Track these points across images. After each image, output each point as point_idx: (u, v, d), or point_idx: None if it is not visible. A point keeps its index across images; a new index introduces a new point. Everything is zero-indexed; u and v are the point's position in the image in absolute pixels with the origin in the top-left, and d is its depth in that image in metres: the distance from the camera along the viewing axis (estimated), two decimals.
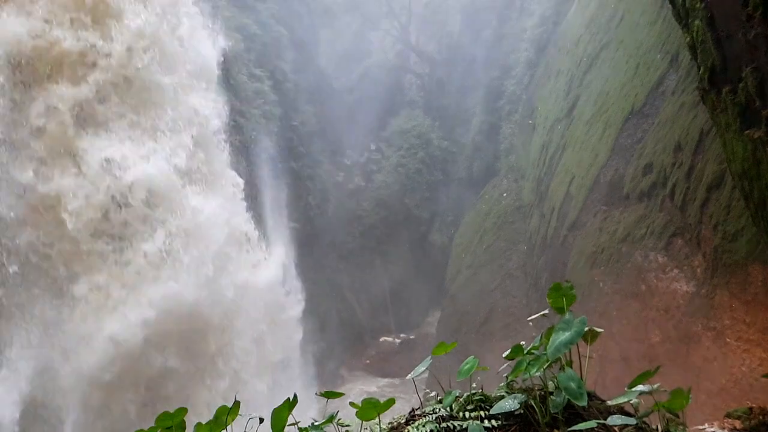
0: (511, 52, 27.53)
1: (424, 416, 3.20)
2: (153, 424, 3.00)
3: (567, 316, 3.13)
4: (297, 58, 26.37)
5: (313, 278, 23.01)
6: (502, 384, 3.34)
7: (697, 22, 8.46)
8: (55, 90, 13.25)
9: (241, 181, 17.25)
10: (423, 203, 29.96)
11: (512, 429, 2.97)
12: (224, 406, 3.04)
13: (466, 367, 3.34)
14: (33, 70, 13.15)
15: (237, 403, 3.06)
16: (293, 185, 23.94)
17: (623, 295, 12.35)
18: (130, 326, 12.93)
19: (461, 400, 3.25)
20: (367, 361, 25.66)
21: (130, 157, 13.80)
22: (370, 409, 3.11)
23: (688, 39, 9.35)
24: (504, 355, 3.33)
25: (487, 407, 3.09)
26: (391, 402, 3.17)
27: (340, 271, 26.82)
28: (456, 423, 2.98)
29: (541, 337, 3.26)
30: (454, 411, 3.16)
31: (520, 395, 3.01)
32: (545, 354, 3.02)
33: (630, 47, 15.23)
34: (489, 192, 25.59)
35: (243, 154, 18.90)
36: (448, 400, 3.19)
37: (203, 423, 3.02)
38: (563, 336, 2.97)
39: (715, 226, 10.03)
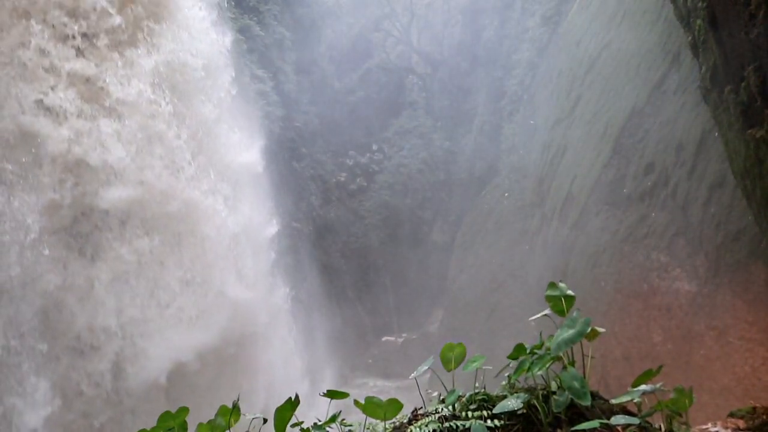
0: (513, 53, 27.52)
1: (427, 416, 3.20)
2: None
3: (574, 314, 3.13)
4: (299, 59, 26.37)
5: (315, 278, 23.04)
6: (505, 383, 3.34)
7: (698, 21, 8.45)
8: None
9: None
10: (425, 203, 29.95)
11: (515, 429, 2.97)
12: (225, 406, 3.04)
13: (474, 363, 3.34)
14: None
15: (237, 405, 3.06)
16: (296, 186, 23.97)
17: (625, 294, 12.33)
18: None
19: (464, 399, 3.25)
20: (370, 361, 25.65)
21: None
22: (374, 408, 3.11)
23: (690, 38, 9.35)
24: (507, 356, 3.34)
25: (490, 407, 3.09)
26: (398, 406, 3.17)
27: (342, 272, 26.82)
28: (459, 422, 2.98)
29: (540, 336, 3.26)
30: (457, 410, 3.16)
31: (522, 395, 3.01)
32: (548, 354, 3.02)
33: (631, 47, 15.21)
34: (491, 192, 25.57)
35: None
36: (451, 399, 3.19)
37: (204, 423, 3.03)
38: (567, 333, 2.98)
39: (717, 226, 10.02)
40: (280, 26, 24.85)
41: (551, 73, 22.48)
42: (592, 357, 3.27)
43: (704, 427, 4.03)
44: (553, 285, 3.37)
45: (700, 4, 8.19)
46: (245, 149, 17.06)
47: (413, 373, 3.50)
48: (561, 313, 3.28)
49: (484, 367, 3.42)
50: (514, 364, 3.28)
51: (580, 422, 2.81)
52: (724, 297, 9.58)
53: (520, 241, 21.13)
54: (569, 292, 3.31)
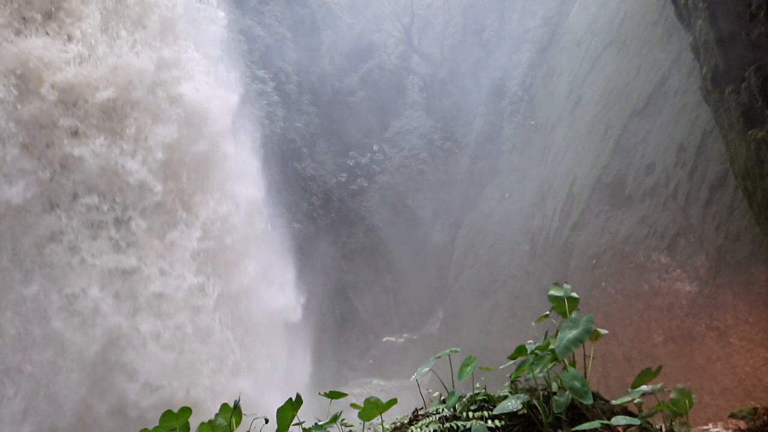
0: (513, 53, 27.51)
1: (428, 416, 3.20)
2: None
3: (573, 315, 3.13)
4: (300, 59, 26.38)
5: (316, 279, 23.03)
6: (506, 384, 3.34)
7: (699, 21, 8.46)
8: None
9: None
10: (425, 204, 29.95)
11: (515, 429, 2.97)
12: (226, 405, 3.04)
13: (467, 368, 3.34)
14: None
15: (238, 404, 3.06)
16: (296, 186, 23.97)
17: (626, 295, 12.33)
18: None
19: (464, 400, 3.25)
20: (370, 361, 25.64)
21: None
22: (372, 408, 3.11)
23: (691, 39, 9.35)
24: (507, 356, 3.34)
25: (491, 407, 3.09)
26: (392, 402, 3.18)
27: (343, 272, 26.81)
28: (459, 423, 2.98)
29: (545, 338, 3.26)
30: (458, 411, 3.16)
31: (523, 395, 3.01)
32: (548, 354, 3.02)
33: (632, 47, 15.20)
34: (491, 192, 25.56)
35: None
36: (452, 400, 3.19)
37: (205, 423, 3.02)
38: (571, 334, 2.97)
39: (718, 226, 10.01)
40: (281, 27, 24.85)
41: (552, 73, 22.48)
42: (593, 357, 3.27)
43: (705, 427, 4.03)
44: (557, 285, 3.37)
45: (701, 5, 8.19)
46: (280, 294, 16.44)
47: (414, 374, 3.50)
48: (564, 314, 3.28)
49: (484, 368, 3.42)
50: (515, 364, 3.27)
51: (580, 423, 2.81)
52: (725, 298, 9.57)
53: (521, 242, 21.12)
54: (573, 293, 3.30)
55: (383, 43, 35.36)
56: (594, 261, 14.10)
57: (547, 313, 3.54)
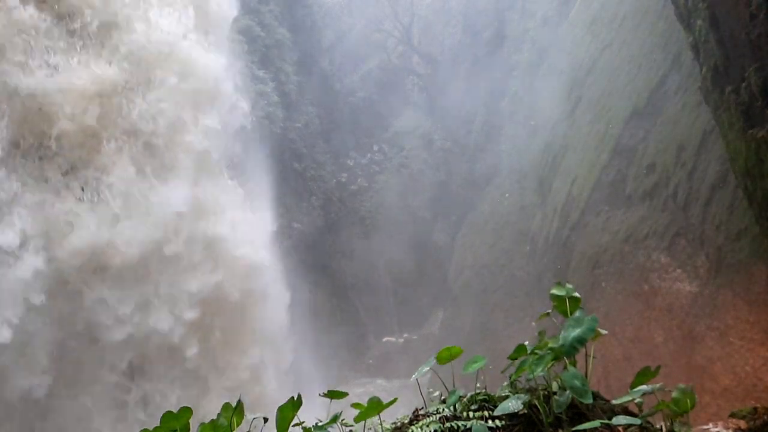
0: (513, 53, 27.51)
1: (428, 416, 3.20)
2: None
3: (577, 313, 3.12)
4: (300, 59, 26.36)
5: (316, 279, 23.02)
6: (506, 384, 3.34)
7: (699, 21, 8.46)
8: None
9: None
10: (425, 204, 29.94)
11: (516, 429, 2.97)
12: (228, 404, 3.04)
13: (474, 364, 3.33)
14: None
15: (240, 404, 3.05)
16: (296, 186, 23.97)
17: (626, 295, 12.32)
18: None
19: (465, 400, 3.25)
20: (370, 362, 25.62)
21: None
22: (372, 409, 3.11)
23: (691, 39, 9.35)
24: (508, 357, 3.33)
25: (491, 407, 3.09)
26: (392, 401, 3.17)
27: (343, 272, 26.79)
28: (460, 423, 2.98)
29: (541, 337, 3.26)
30: (458, 411, 3.16)
31: (523, 395, 3.01)
32: (549, 354, 3.01)
33: (632, 47, 15.20)
34: (491, 192, 25.56)
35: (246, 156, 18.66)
36: (452, 400, 3.19)
37: (206, 423, 3.02)
38: (575, 332, 2.96)
39: (718, 226, 10.02)
40: (281, 27, 24.83)
41: (552, 73, 22.48)
42: (594, 357, 3.27)
43: (705, 427, 4.03)
44: (559, 285, 3.36)
45: (701, 5, 8.19)
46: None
47: (414, 373, 3.50)
48: (565, 313, 3.27)
49: (485, 367, 3.42)
50: (515, 363, 3.27)
51: (581, 422, 2.81)
52: (725, 297, 9.57)
53: (521, 242, 21.12)
54: (575, 294, 3.29)
55: (383, 43, 35.33)
56: (594, 261, 14.10)
57: (548, 311, 3.54)
